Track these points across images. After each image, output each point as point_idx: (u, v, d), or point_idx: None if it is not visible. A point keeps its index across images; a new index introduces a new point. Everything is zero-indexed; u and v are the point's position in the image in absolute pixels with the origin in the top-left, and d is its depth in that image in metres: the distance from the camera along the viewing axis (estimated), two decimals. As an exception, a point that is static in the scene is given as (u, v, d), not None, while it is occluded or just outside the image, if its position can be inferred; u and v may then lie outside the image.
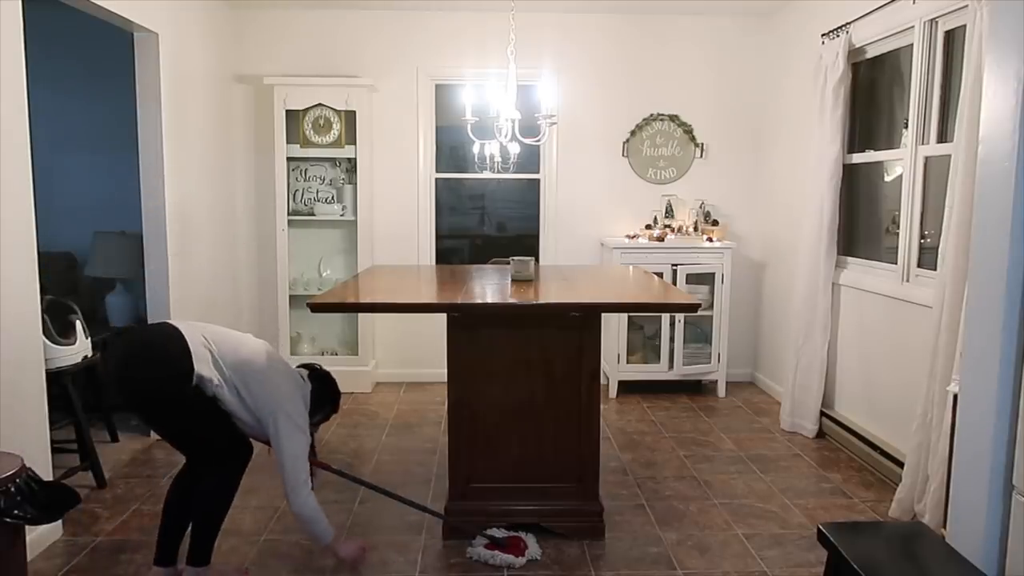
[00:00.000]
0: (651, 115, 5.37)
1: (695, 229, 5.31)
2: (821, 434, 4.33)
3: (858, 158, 4.25)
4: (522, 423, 3.04)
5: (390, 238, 5.38)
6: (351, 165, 5.21)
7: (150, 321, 4.17)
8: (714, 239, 5.12)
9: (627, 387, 5.18)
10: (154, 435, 4.20)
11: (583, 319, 2.99)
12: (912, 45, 3.64)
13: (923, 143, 3.62)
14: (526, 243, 5.61)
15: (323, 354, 5.34)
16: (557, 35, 5.25)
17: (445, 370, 3.04)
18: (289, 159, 5.10)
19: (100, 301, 4.76)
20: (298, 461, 2.50)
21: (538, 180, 5.48)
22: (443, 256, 5.68)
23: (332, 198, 5.25)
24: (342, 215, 5.19)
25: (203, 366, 2.42)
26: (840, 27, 4.09)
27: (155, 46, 4.00)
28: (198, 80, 4.61)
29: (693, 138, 5.39)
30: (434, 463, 3.91)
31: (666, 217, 5.36)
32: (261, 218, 5.31)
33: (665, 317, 5.07)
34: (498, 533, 2.98)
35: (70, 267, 4.96)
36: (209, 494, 2.56)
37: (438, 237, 5.56)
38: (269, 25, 5.22)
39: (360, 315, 5.16)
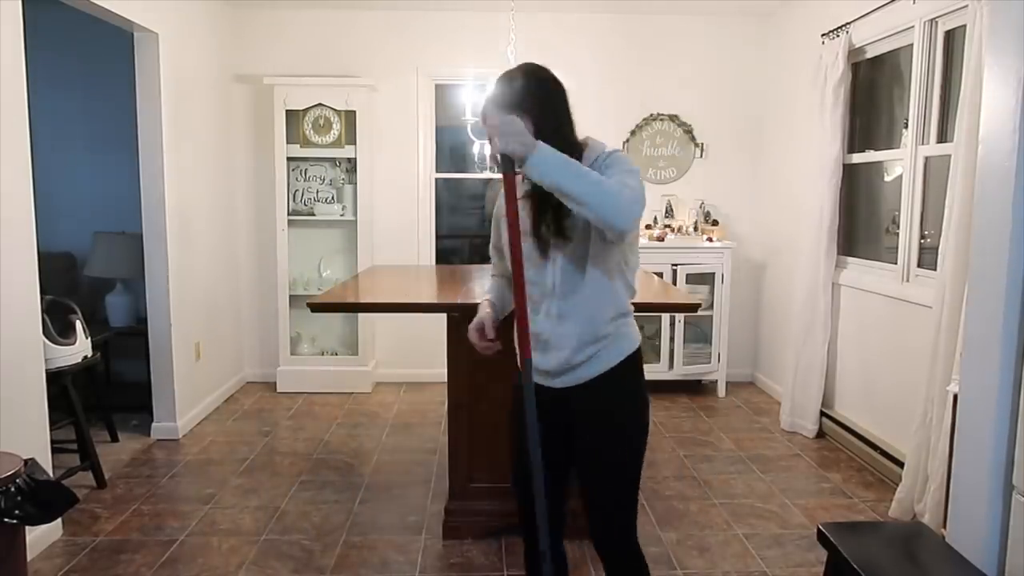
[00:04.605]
0: (651, 115, 5.37)
1: (695, 229, 5.31)
2: (821, 434, 4.33)
3: (858, 158, 4.25)
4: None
5: (390, 238, 5.38)
6: (351, 165, 5.21)
7: (151, 322, 4.17)
8: (714, 239, 5.12)
9: (627, 387, 5.17)
10: (154, 435, 4.21)
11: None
12: (912, 45, 3.64)
13: (923, 143, 3.62)
14: (526, 243, 5.59)
15: (323, 354, 5.35)
16: (557, 35, 5.25)
17: (445, 370, 3.04)
18: (289, 159, 5.10)
19: (100, 301, 4.76)
20: None
21: (538, 180, 5.47)
22: (443, 256, 5.67)
23: (332, 198, 5.25)
24: (342, 215, 5.19)
25: None
26: (840, 27, 4.09)
27: (155, 46, 4.00)
28: (198, 80, 4.61)
29: (693, 138, 5.39)
30: (434, 463, 3.90)
31: (666, 217, 5.36)
32: (261, 218, 5.31)
33: (665, 317, 5.06)
34: None
35: (70, 267, 4.96)
36: None
37: (438, 237, 5.56)
38: (269, 25, 5.22)
39: (360, 315, 5.16)
